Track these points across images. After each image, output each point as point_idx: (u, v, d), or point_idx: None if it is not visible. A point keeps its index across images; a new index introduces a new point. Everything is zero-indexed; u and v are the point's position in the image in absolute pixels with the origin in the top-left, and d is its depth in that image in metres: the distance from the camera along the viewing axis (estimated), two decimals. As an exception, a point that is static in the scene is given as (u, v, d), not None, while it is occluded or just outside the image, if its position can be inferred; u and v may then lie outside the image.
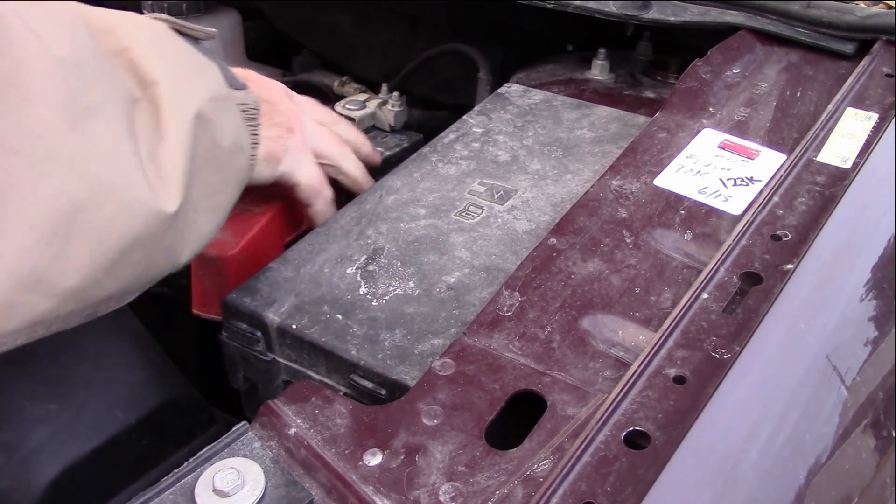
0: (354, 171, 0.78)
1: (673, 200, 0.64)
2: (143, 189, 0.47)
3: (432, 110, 1.18)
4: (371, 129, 0.99)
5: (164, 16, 0.63)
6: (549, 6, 0.85)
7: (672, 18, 0.84)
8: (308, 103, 0.78)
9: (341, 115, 0.98)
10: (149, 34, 0.56)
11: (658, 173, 0.67)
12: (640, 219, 0.63)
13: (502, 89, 0.86)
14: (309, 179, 0.72)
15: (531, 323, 0.55)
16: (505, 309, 0.56)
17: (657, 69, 0.95)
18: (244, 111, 0.61)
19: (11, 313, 0.43)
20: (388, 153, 0.95)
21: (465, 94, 1.13)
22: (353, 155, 0.79)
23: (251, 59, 1.20)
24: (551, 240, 0.61)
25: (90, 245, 0.45)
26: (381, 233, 0.67)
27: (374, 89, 1.15)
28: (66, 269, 0.44)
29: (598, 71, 0.93)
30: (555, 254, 0.60)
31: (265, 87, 0.73)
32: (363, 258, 0.64)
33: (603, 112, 0.81)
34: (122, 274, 0.48)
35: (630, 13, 0.84)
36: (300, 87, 1.06)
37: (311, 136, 0.74)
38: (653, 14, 0.84)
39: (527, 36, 1.05)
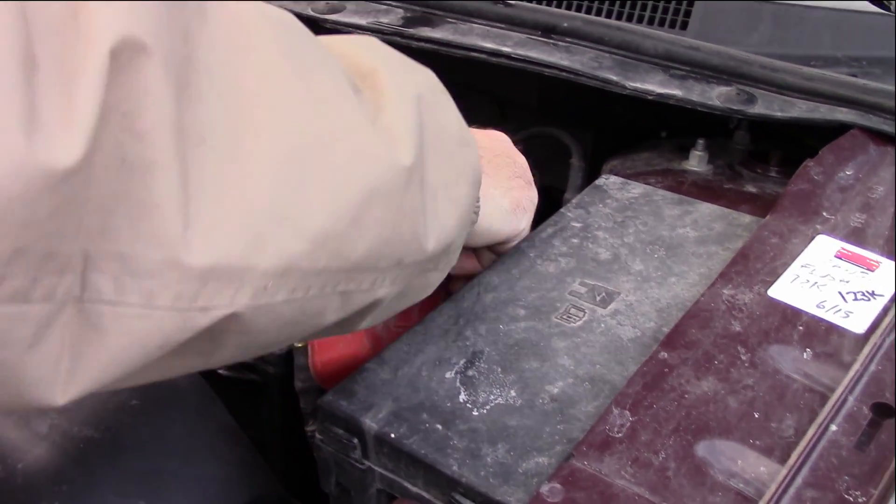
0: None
1: (790, 314, 0.61)
2: (373, 139, 0.45)
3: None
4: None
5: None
6: (650, 98, 0.83)
7: (779, 114, 0.81)
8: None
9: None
10: (353, 39, 0.54)
11: (772, 283, 0.64)
12: (756, 333, 0.60)
13: (600, 181, 0.84)
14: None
15: (644, 447, 0.52)
16: (615, 429, 0.53)
17: (756, 161, 0.92)
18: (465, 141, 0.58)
19: (264, 248, 0.39)
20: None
21: (553, 177, 1.11)
22: None
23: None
24: (662, 354, 0.58)
25: (330, 185, 0.42)
26: (479, 334, 0.65)
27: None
28: (311, 208, 0.41)
29: (697, 162, 0.91)
30: (666, 369, 0.57)
31: (489, 136, 0.72)
32: (462, 362, 0.62)
33: (706, 209, 0.79)
34: (369, 231, 0.45)
35: (735, 108, 0.82)
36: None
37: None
38: (759, 109, 0.81)
39: (619, 121, 1.03)
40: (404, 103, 0.48)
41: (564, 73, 0.86)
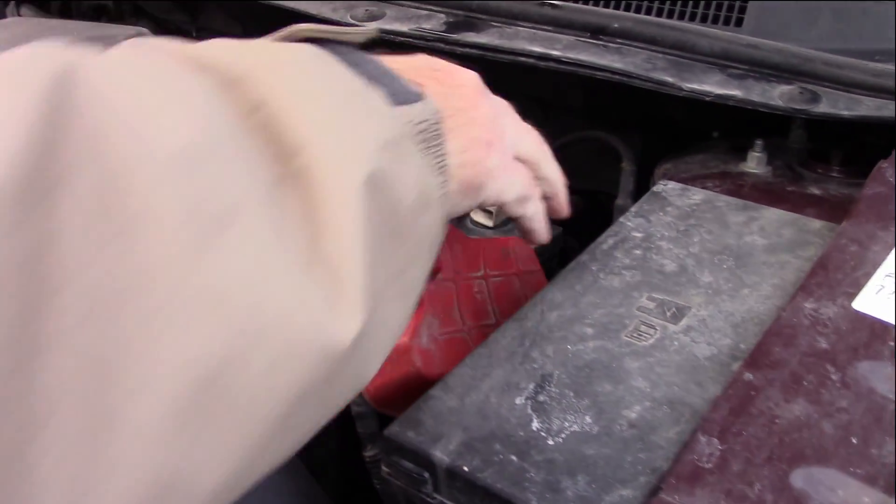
0: (554, 175, 0.67)
1: (878, 329, 0.58)
2: (311, 312, 0.34)
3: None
4: (506, 221, 0.95)
5: (309, 26, 0.49)
6: (707, 100, 0.80)
7: (845, 113, 0.77)
8: (503, 104, 0.64)
9: (474, 220, 0.94)
10: (290, 71, 0.41)
11: (856, 295, 0.60)
12: (844, 350, 0.56)
13: (658, 188, 0.81)
14: (516, 195, 0.61)
15: (737, 478, 0.49)
16: (704, 459, 0.50)
17: (817, 161, 0.88)
18: (422, 134, 0.47)
19: None
20: (527, 248, 0.91)
21: (600, 180, 1.08)
22: (553, 158, 0.67)
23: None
24: (746, 375, 0.55)
25: (239, 417, 0.32)
26: (547, 356, 0.62)
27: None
28: (208, 461, 0.31)
29: (755, 164, 0.88)
30: (752, 392, 0.54)
31: (454, 85, 0.57)
32: (531, 386, 0.59)
33: (773, 215, 0.75)
34: (288, 438, 0.37)
35: (799, 107, 0.78)
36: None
37: (512, 141, 0.61)
38: (824, 108, 0.78)
39: (669, 123, 1.00)
40: (348, 208, 0.37)
41: (618, 77, 0.82)
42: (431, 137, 0.47)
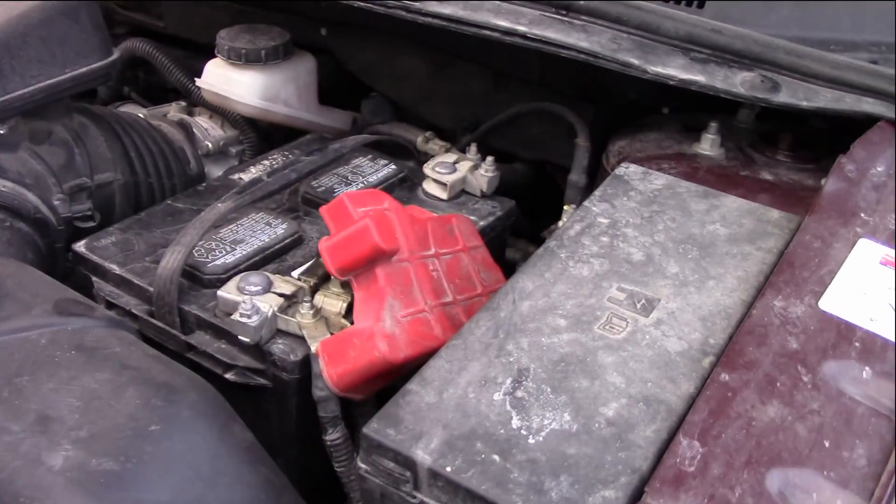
0: None
1: (844, 329, 0.59)
2: None
3: (507, 163, 1.13)
4: (460, 193, 0.94)
5: None
6: (671, 84, 0.80)
7: (804, 104, 0.79)
8: None
9: (430, 177, 0.92)
10: None
11: (821, 294, 0.62)
12: (813, 351, 0.58)
13: (620, 171, 0.81)
14: None
15: (718, 481, 0.50)
16: (686, 462, 0.51)
17: (765, 143, 0.90)
18: None
19: None
20: (482, 223, 0.90)
21: (549, 151, 1.08)
22: None
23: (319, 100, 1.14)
24: (723, 375, 0.56)
25: None
26: (522, 348, 0.61)
27: (447, 138, 1.10)
28: None
29: (709, 145, 0.89)
30: (730, 393, 0.55)
31: None
32: (509, 381, 0.59)
33: (733, 204, 0.76)
34: None
35: (760, 96, 0.79)
36: (386, 143, 1.01)
37: None
38: (784, 98, 0.79)
39: (622, 97, 1.00)
40: None
41: (583, 56, 0.81)
42: None
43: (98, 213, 0.92)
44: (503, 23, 0.83)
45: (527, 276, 0.68)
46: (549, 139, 1.07)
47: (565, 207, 0.94)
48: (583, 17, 0.84)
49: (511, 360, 0.61)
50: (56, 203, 0.86)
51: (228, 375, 0.74)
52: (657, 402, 0.57)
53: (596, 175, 0.96)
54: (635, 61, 0.81)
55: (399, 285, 0.70)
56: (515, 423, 0.56)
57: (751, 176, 0.85)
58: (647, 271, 0.69)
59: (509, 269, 0.95)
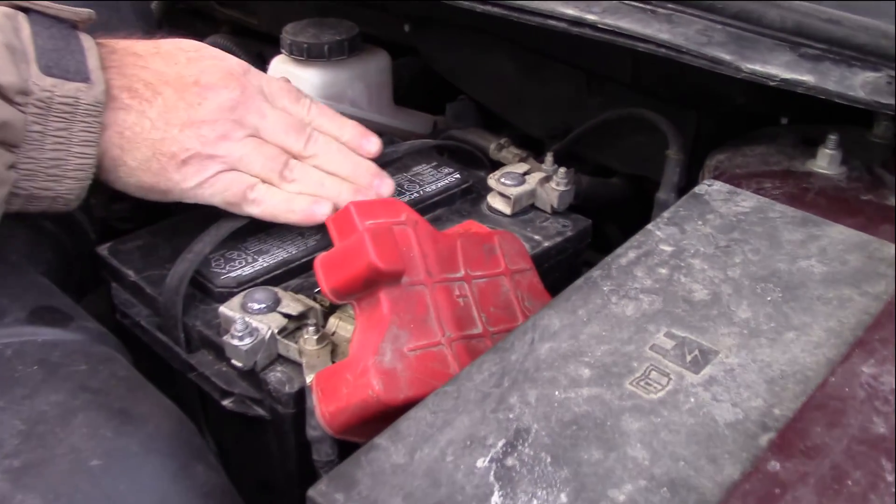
0: (326, 126, 0.74)
1: (958, 412, 0.44)
2: None
3: (603, 177, 1.00)
4: (529, 209, 0.83)
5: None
6: (772, 84, 0.65)
7: (945, 113, 0.62)
8: (272, 93, 0.72)
9: (495, 189, 0.81)
10: None
11: (932, 361, 0.47)
12: (908, 440, 0.43)
13: (701, 188, 0.67)
14: (223, 201, 0.69)
15: None
16: (700, 582, 0.38)
17: (905, 163, 0.73)
18: (64, 107, 0.59)
19: None
20: (546, 243, 0.79)
21: (647, 165, 0.94)
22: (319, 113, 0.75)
23: (399, 102, 1.05)
24: (773, 464, 0.42)
25: None
26: (527, 402, 0.50)
27: (536, 146, 0.99)
28: None
29: (826, 162, 0.73)
30: (778, 490, 0.41)
31: (173, 100, 0.66)
32: (501, 444, 0.47)
33: (839, 235, 0.61)
34: None
35: (884, 101, 0.63)
36: (451, 149, 0.91)
37: (252, 130, 0.69)
38: (917, 104, 0.63)
39: (730, 103, 0.85)
40: None
41: (664, 50, 0.68)
42: (80, 114, 0.61)
43: (144, 213, 0.86)
44: (571, 11, 0.71)
45: (555, 311, 0.56)
46: (650, 151, 0.93)
47: (651, 230, 0.81)
48: (669, 6, 0.71)
49: (511, 416, 0.49)
50: (92, 202, 0.82)
51: (226, 402, 0.66)
52: (687, 488, 0.44)
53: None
54: (727, 57, 0.67)
55: (409, 313, 0.60)
56: (495, 499, 0.44)
57: (874, 202, 0.68)
58: (710, 314, 0.55)
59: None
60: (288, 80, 0.75)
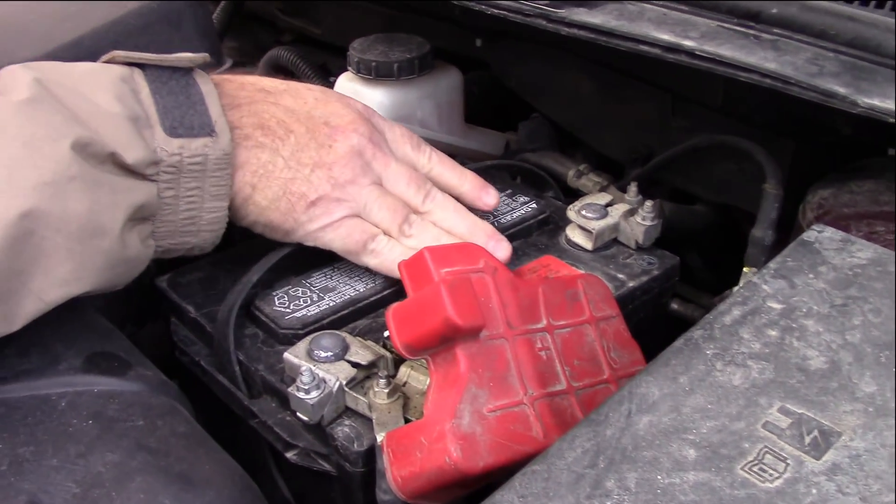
0: (443, 176, 0.73)
1: None
2: None
3: (686, 204, 0.94)
4: (611, 243, 0.77)
5: (128, 53, 0.61)
6: (892, 122, 0.59)
7: None
8: (394, 140, 0.72)
9: (575, 222, 0.76)
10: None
11: None
12: None
13: (810, 235, 0.61)
14: (343, 248, 0.68)
15: None
16: None
17: None
18: (195, 166, 0.60)
19: None
20: (631, 283, 0.73)
21: (735, 193, 0.88)
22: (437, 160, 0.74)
23: (468, 118, 1.00)
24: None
25: None
26: (627, 488, 0.44)
27: (613, 170, 0.94)
28: None
29: (947, 204, 0.66)
30: None
31: (303, 142, 0.66)
32: (599, 539, 0.42)
33: (973, 293, 0.55)
34: None
35: None
36: (522, 173, 0.86)
37: (376, 179, 0.69)
38: None
39: (833, 133, 0.78)
40: None
41: (769, 81, 0.62)
42: (210, 170, 0.61)
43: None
44: (666, 36, 0.65)
45: (654, 378, 0.51)
46: (738, 179, 0.87)
47: (745, 270, 0.75)
48: (774, 31, 0.65)
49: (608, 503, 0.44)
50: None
51: (289, 455, 0.62)
52: None
53: (790, 231, 0.76)
54: (841, 90, 0.60)
55: (488, 369, 0.55)
56: None
57: None
58: (829, 387, 0.49)
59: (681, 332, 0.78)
60: (407, 129, 0.74)
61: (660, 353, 0.53)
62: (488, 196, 0.74)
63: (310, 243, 0.68)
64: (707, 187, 0.91)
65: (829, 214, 0.68)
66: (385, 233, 0.68)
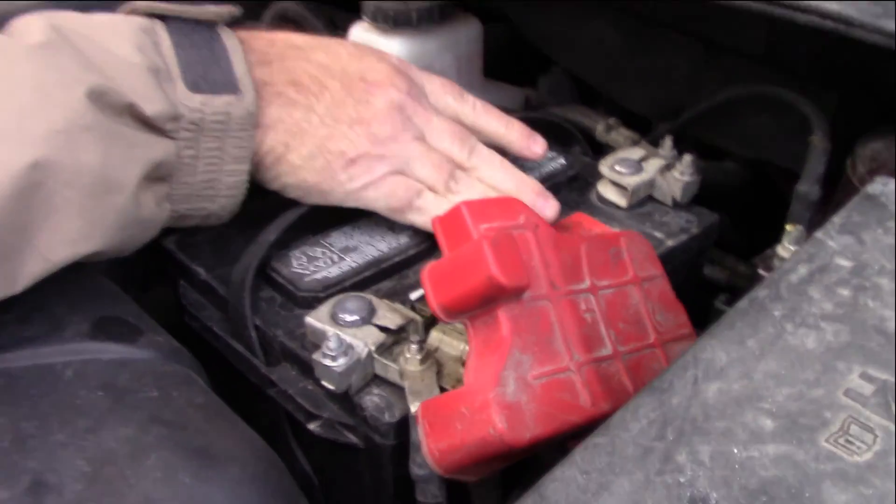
0: (485, 125, 0.69)
1: None
2: None
3: (715, 160, 0.90)
4: (646, 201, 0.73)
5: (149, 4, 0.58)
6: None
7: None
8: (434, 91, 0.68)
9: (607, 178, 0.72)
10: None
11: None
12: None
13: (874, 188, 0.56)
14: (387, 207, 0.64)
15: None
16: None
17: None
18: (218, 124, 0.56)
19: None
20: (670, 242, 0.69)
21: (772, 149, 0.83)
22: (477, 110, 0.69)
23: (486, 73, 0.95)
24: None
25: None
26: (700, 462, 0.40)
27: (641, 127, 0.89)
28: None
29: None
30: None
31: (355, 56, 0.64)
32: (674, 519, 0.38)
33: None
34: None
35: None
36: (546, 126, 0.80)
37: (416, 135, 0.64)
38: None
39: (882, 81, 0.74)
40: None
41: (830, 22, 0.57)
42: (232, 129, 0.57)
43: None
44: (715, -26, 0.60)
45: (719, 341, 0.46)
46: (773, 133, 0.82)
47: (788, 228, 0.70)
48: (833, -33, 0.60)
49: (682, 480, 0.40)
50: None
51: (312, 426, 0.57)
52: (921, 590, 0.35)
53: (835, 187, 0.72)
54: (912, 31, 0.56)
55: (532, 333, 0.51)
56: None
57: None
58: (912, 349, 0.45)
59: (708, 295, 0.74)
60: (447, 80, 0.70)
61: (723, 316, 0.49)
62: (536, 145, 0.70)
63: (350, 204, 0.64)
64: (741, 143, 0.86)
65: (885, 168, 0.64)
66: (431, 190, 0.64)
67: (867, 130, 0.71)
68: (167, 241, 0.68)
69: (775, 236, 0.72)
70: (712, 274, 0.80)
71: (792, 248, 0.69)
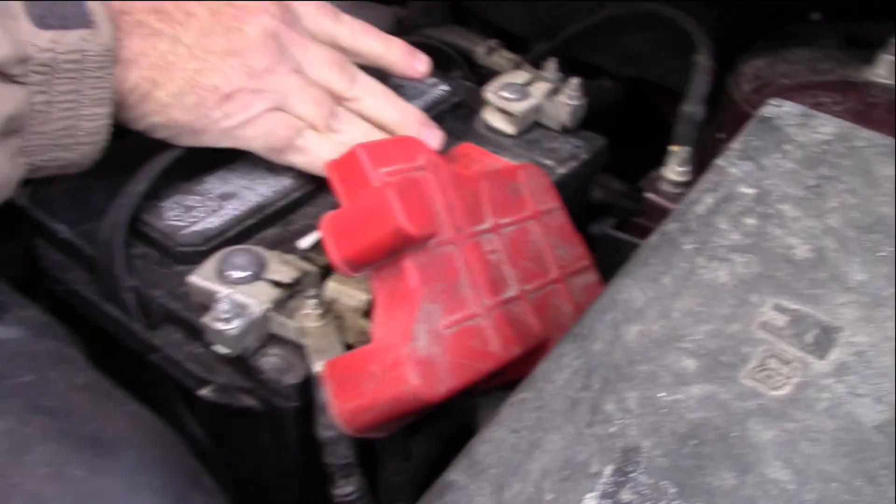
0: (363, 47, 0.64)
1: None
2: None
3: (592, 79, 0.89)
4: (532, 127, 0.71)
5: None
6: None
7: None
8: (308, 14, 0.62)
9: (493, 104, 0.69)
10: None
11: None
12: None
13: (769, 110, 0.56)
14: (265, 146, 0.59)
15: None
16: None
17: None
18: (72, 64, 0.50)
19: None
20: (561, 169, 0.67)
21: (648, 66, 0.83)
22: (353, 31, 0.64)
23: (354, -7, 0.90)
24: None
25: None
26: (627, 409, 0.39)
27: (518, 47, 0.86)
28: None
29: (886, 71, 0.63)
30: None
31: (214, 29, 0.56)
32: (609, 471, 0.37)
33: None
34: None
35: None
36: (424, 50, 0.77)
37: (292, 67, 0.59)
38: None
39: (756, -2, 0.74)
40: None
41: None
42: (89, 69, 0.51)
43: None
44: None
45: (635, 280, 0.45)
46: (650, 51, 0.82)
47: (673, 149, 0.70)
48: None
49: (612, 430, 0.39)
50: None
51: (203, 392, 0.53)
52: (852, 522, 0.35)
53: (715, 106, 0.72)
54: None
55: (440, 281, 0.48)
56: (622, 554, 0.34)
57: (951, 118, 0.59)
58: (818, 278, 0.45)
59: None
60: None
61: (635, 252, 0.48)
62: (420, 63, 0.66)
63: (225, 144, 0.58)
64: (618, 61, 0.85)
65: (769, 86, 0.64)
66: (311, 127, 0.59)
67: (746, 47, 0.71)
68: (18, 195, 0.60)
69: (655, 156, 0.72)
70: (595, 196, 0.80)
71: (679, 168, 0.69)
